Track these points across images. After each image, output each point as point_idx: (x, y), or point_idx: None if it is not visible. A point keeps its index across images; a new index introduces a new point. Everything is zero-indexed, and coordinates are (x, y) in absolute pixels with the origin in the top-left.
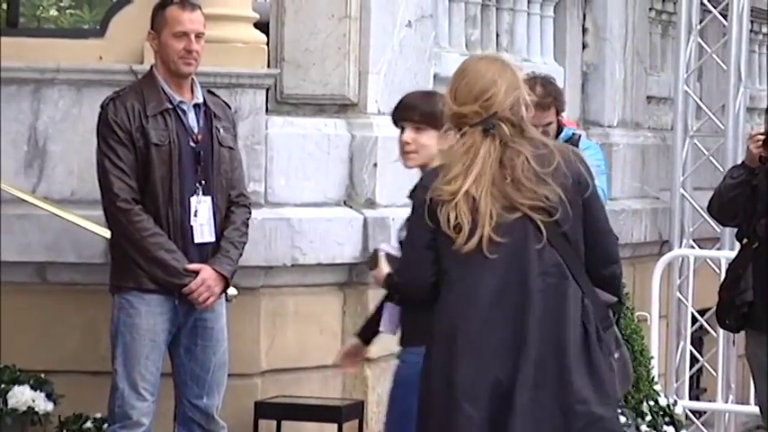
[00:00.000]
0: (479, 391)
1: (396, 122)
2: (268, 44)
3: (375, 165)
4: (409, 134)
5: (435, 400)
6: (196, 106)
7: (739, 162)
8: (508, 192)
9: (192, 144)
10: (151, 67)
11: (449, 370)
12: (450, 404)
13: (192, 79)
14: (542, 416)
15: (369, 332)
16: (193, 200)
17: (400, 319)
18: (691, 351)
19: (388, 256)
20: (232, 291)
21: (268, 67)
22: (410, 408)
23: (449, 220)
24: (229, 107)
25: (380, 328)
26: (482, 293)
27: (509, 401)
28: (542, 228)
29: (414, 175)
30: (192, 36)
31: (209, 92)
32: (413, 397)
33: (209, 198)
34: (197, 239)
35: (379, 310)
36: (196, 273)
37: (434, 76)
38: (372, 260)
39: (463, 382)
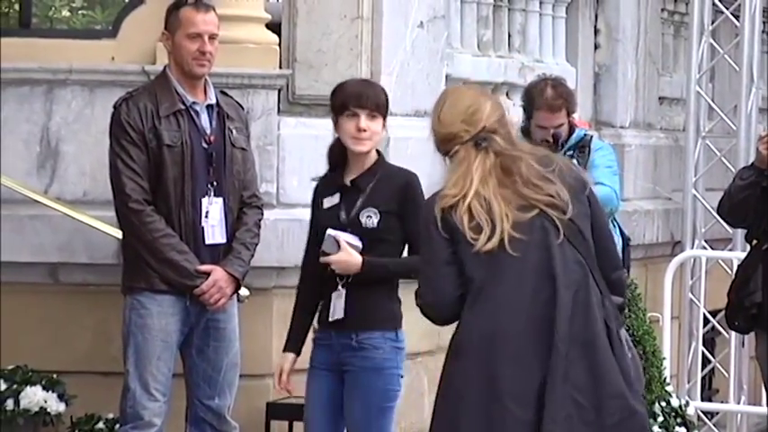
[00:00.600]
0: (527, 393)
1: (343, 109)
2: (280, 45)
3: None
4: (365, 121)
5: (473, 403)
6: (209, 107)
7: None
8: (520, 190)
9: (204, 145)
10: (164, 68)
11: (490, 374)
12: (494, 408)
13: (206, 80)
14: (574, 412)
15: (299, 343)
16: (205, 201)
17: (350, 305)
18: (703, 352)
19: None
20: (244, 291)
21: (280, 67)
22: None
23: (465, 222)
24: (242, 108)
25: (333, 317)
26: (514, 294)
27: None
28: (559, 224)
29: (427, 176)
30: (206, 37)
31: (222, 92)
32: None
33: (220, 199)
34: (208, 241)
35: (300, 321)
36: (207, 274)
37: (447, 77)
38: (334, 244)
39: (510, 386)
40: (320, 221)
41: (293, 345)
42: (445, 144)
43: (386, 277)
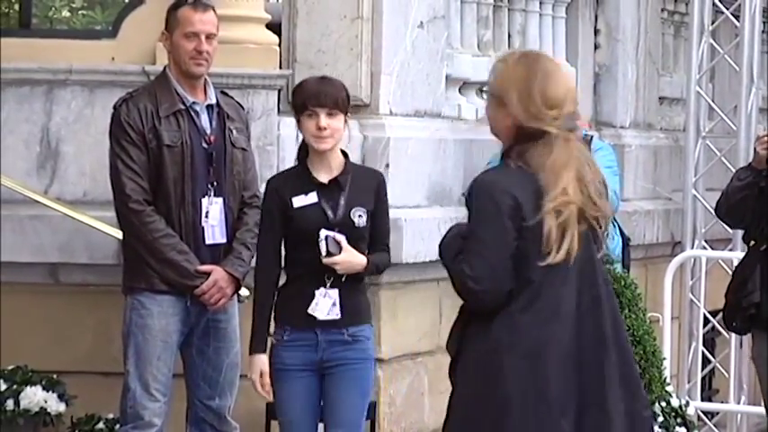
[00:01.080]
0: (570, 405)
1: (303, 109)
2: (280, 45)
3: (387, 165)
4: (325, 119)
5: (522, 411)
6: (209, 107)
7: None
8: (586, 205)
9: (204, 145)
10: (164, 68)
11: (540, 383)
12: (545, 420)
13: (206, 80)
14: (610, 422)
15: (264, 343)
16: (205, 201)
17: (343, 302)
18: (703, 352)
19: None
20: (244, 292)
21: (280, 68)
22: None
23: (553, 231)
24: (243, 108)
25: (322, 316)
26: (566, 303)
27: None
28: (600, 236)
29: (427, 176)
30: (203, 37)
31: (223, 93)
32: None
33: (220, 199)
34: (208, 241)
35: (265, 321)
36: (208, 274)
37: (447, 77)
38: (336, 245)
39: (557, 397)
40: (300, 221)
41: (263, 345)
42: (538, 123)
43: (370, 274)
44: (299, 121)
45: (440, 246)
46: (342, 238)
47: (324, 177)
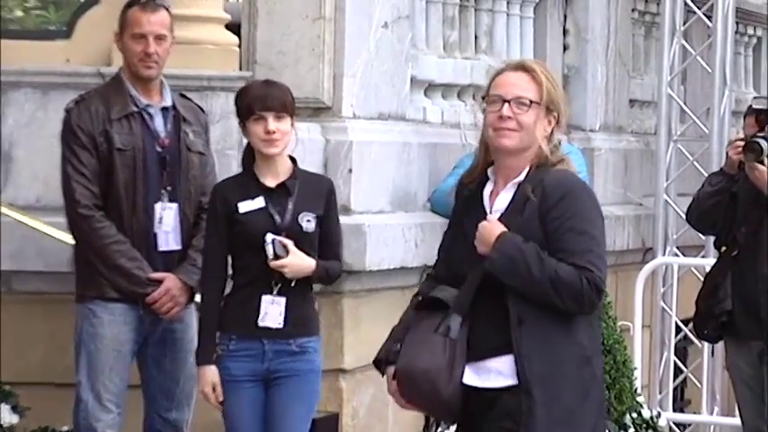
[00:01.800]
0: None
1: (249, 114)
2: (240, 46)
3: (350, 170)
4: (274, 123)
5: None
6: (164, 110)
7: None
8: None
9: (158, 149)
10: (119, 70)
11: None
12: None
13: (162, 82)
14: None
15: (212, 354)
16: (158, 206)
17: (291, 311)
18: (675, 362)
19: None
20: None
21: (240, 69)
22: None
23: None
24: (203, 111)
25: (269, 324)
26: None
27: None
28: None
29: (391, 181)
30: (151, 38)
31: (182, 95)
32: None
33: (175, 205)
34: (162, 247)
35: (212, 330)
36: (160, 282)
37: (411, 79)
38: (282, 248)
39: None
40: (247, 226)
41: (211, 355)
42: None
43: (320, 281)
44: (243, 127)
45: (522, 265)
46: (289, 242)
47: (271, 182)
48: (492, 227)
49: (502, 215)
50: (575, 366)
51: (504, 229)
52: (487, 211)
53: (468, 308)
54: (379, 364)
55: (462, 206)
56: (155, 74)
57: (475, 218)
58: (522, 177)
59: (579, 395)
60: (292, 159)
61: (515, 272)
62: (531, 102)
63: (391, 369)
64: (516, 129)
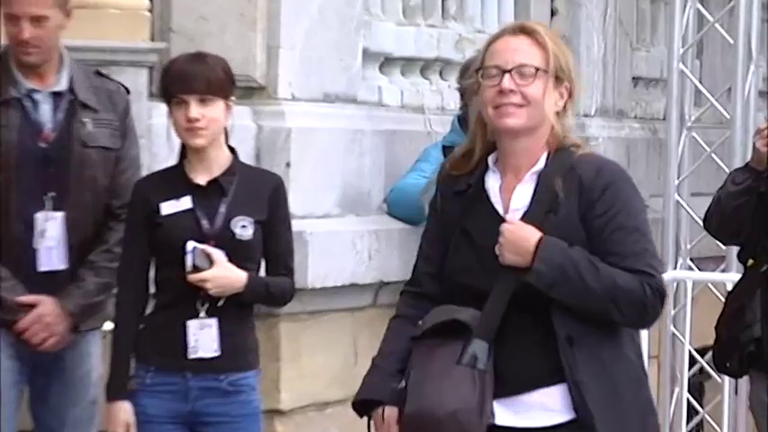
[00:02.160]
0: None
1: (171, 96)
2: (151, 10)
3: (288, 164)
4: (196, 109)
5: None
6: (56, 95)
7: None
8: None
9: (40, 144)
10: (5, 49)
11: None
12: None
13: (61, 59)
14: None
15: (125, 387)
16: (40, 216)
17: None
18: (689, 399)
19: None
20: (109, 326)
21: (152, 39)
22: None
23: None
24: (128, 91)
25: (203, 354)
26: None
27: None
28: None
29: (339, 177)
30: (25, 21)
31: (99, 73)
32: None
33: (60, 214)
34: (43, 267)
35: (126, 359)
36: (32, 307)
37: (364, 52)
38: (205, 259)
39: None
40: (168, 231)
41: (125, 389)
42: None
43: (260, 300)
44: (170, 112)
45: (575, 275)
46: (215, 251)
47: (201, 179)
48: (523, 231)
49: (525, 214)
50: (631, 391)
51: (539, 232)
52: (499, 209)
53: (495, 331)
54: (364, 406)
55: (459, 204)
56: (37, 60)
57: (483, 219)
58: (541, 165)
59: (641, 426)
60: (232, 151)
61: (566, 284)
62: (537, 69)
63: (392, 412)
64: (522, 103)
